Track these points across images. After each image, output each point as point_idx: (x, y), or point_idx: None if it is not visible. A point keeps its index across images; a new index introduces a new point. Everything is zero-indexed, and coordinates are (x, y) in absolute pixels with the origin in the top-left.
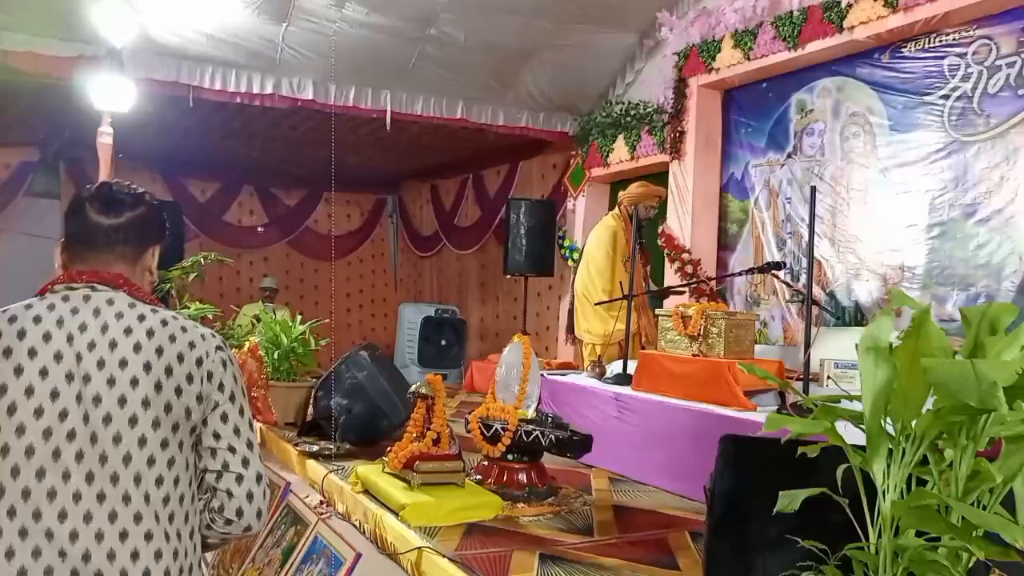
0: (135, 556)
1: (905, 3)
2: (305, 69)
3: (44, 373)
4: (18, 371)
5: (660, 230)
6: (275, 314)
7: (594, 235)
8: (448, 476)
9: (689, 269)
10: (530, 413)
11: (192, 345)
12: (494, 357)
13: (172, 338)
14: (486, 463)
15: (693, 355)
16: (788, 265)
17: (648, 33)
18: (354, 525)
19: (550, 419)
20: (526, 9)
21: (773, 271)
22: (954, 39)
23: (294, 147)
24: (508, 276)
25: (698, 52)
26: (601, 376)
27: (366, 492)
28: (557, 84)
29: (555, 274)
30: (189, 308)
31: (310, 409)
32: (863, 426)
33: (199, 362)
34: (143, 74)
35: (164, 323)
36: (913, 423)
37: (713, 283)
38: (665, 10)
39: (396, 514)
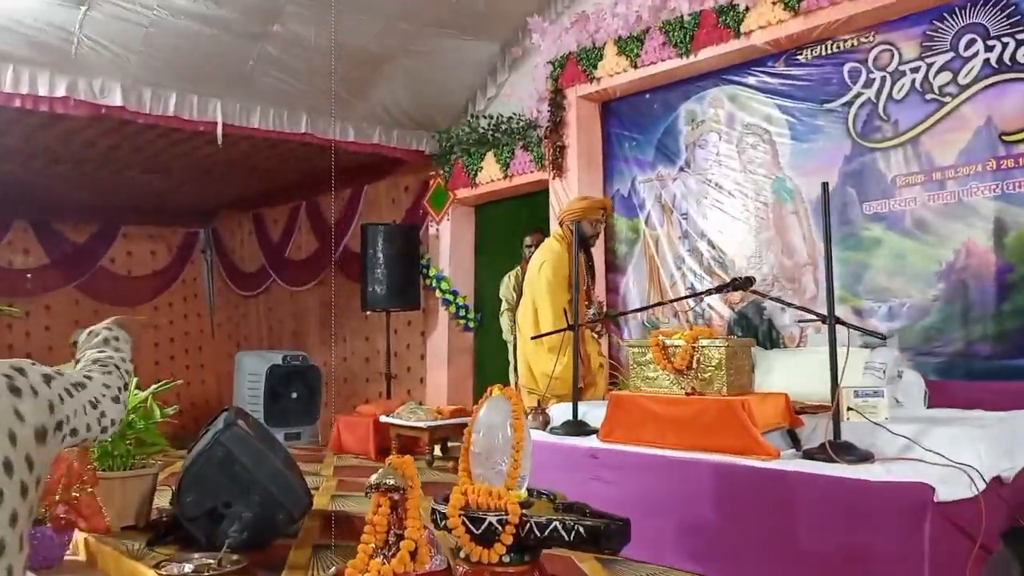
0: None
1: (806, 7)
2: (111, 68)
3: None
4: None
5: None
6: None
7: (535, 263)
8: None
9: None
10: (523, 494)
11: None
12: (364, 409)
13: None
14: (469, 571)
15: (687, 394)
16: (692, 286)
17: (512, 42)
18: None
19: (548, 498)
20: (385, 8)
21: (746, 287)
22: (852, 45)
23: (87, 169)
24: (368, 313)
25: (576, 60)
26: (546, 426)
27: None
28: (414, 97)
29: (420, 307)
30: None
31: (156, 505)
32: None
33: None
34: None
35: None
36: None
37: (604, 309)
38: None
39: None
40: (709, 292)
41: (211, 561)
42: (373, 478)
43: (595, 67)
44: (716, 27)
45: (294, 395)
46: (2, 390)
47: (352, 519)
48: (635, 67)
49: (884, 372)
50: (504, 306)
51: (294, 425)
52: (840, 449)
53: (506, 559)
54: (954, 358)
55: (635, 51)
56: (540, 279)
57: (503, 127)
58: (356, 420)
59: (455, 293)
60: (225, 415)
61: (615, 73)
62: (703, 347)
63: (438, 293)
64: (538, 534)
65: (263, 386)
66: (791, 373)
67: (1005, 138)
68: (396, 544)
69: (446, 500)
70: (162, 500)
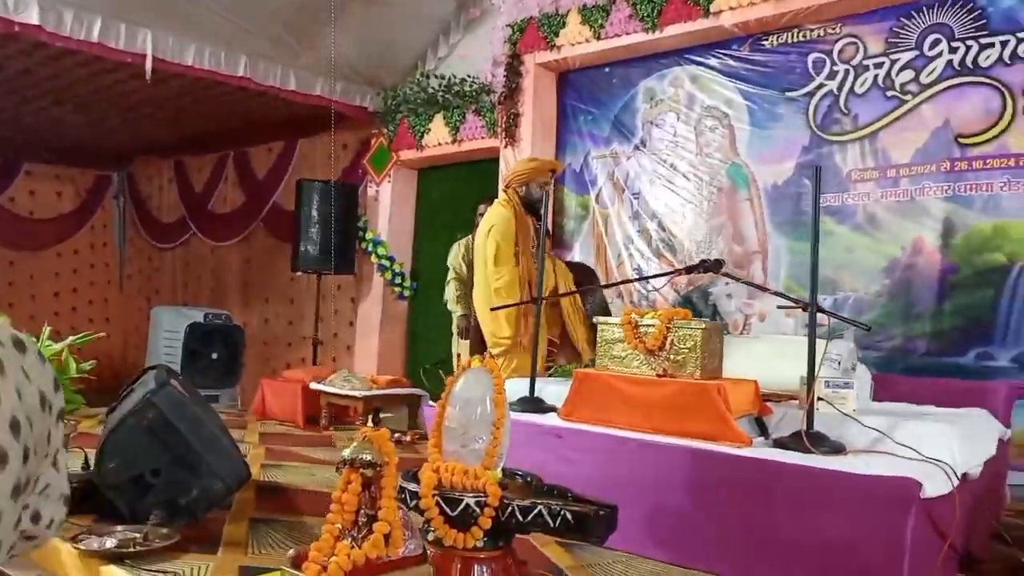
0: None
1: None
2: None
3: None
4: None
5: None
6: None
7: (482, 229)
8: None
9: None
10: (499, 475)
11: None
12: (291, 374)
13: None
14: (439, 553)
15: (658, 375)
16: (639, 268)
17: (470, 1)
18: None
19: (524, 479)
20: None
21: (716, 269)
22: (818, 35)
23: None
24: (296, 274)
25: (537, 26)
26: None
27: None
28: (362, 50)
29: (354, 271)
30: None
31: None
32: None
33: None
34: None
35: None
36: None
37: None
38: None
39: None
40: (679, 272)
41: (136, 535)
42: (346, 452)
43: (556, 35)
44: (685, 4)
45: (214, 356)
46: (7, 341)
47: (287, 491)
48: (598, 38)
49: (840, 363)
50: (451, 274)
51: (213, 387)
52: (814, 439)
53: (480, 543)
54: (893, 353)
55: (599, 21)
56: (489, 243)
57: (455, 89)
58: (283, 385)
59: (391, 259)
60: (155, 373)
61: (576, 43)
62: (678, 328)
63: (373, 258)
64: (520, 519)
65: (181, 344)
66: (745, 360)
67: (961, 140)
68: (367, 525)
69: (414, 477)
70: (73, 464)
